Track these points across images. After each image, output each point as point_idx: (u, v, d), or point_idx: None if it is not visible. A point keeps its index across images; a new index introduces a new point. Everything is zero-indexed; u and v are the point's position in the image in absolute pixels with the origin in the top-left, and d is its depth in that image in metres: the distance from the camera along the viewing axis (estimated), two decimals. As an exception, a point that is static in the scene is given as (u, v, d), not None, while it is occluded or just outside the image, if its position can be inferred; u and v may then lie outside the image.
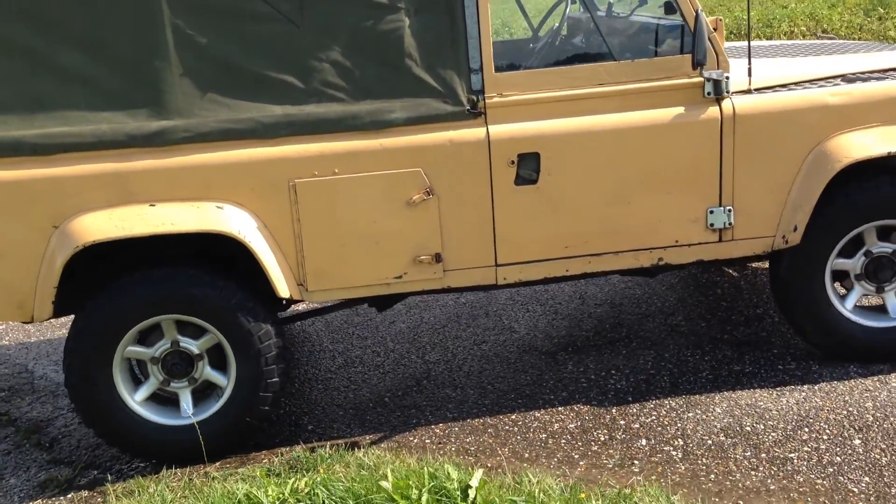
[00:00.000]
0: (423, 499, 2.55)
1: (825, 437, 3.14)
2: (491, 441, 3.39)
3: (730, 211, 3.46)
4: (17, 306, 3.29)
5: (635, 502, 2.68)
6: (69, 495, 3.37)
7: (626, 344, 4.13)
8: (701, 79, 3.32)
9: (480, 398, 3.75)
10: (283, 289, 3.33)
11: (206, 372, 3.44)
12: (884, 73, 3.59)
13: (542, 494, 2.70)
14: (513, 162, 3.33)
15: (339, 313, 4.73)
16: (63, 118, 3.17)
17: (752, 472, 2.97)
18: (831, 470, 2.94)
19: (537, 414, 3.56)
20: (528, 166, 3.35)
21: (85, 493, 3.37)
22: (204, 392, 3.53)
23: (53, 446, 3.78)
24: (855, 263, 3.61)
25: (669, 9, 3.39)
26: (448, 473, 2.69)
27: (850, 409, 3.32)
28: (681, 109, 3.36)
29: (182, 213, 3.23)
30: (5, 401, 4.24)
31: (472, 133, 3.30)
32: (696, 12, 3.13)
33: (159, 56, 3.16)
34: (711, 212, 3.46)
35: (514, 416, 3.56)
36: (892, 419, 3.22)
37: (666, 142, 3.37)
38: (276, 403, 3.48)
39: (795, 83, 3.51)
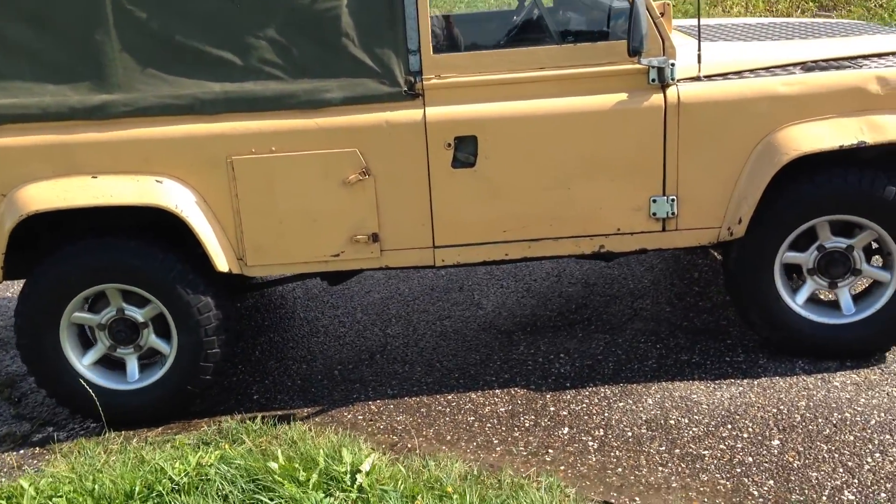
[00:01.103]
0: (312, 482, 2.61)
1: (745, 436, 3.09)
2: (420, 421, 3.43)
3: (673, 200, 3.39)
4: None
5: (526, 493, 2.69)
6: (21, 451, 3.53)
7: (585, 326, 4.11)
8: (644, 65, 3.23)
9: (425, 376, 3.79)
10: (221, 263, 3.40)
11: (151, 340, 3.55)
12: (850, 61, 3.43)
13: (433, 481, 2.73)
14: (449, 145, 3.31)
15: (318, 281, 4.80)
16: (9, 90, 3.26)
17: (660, 468, 2.95)
18: (739, 470, 2.90)
19: (473, 395, 3.58)
20: (465, 149, 3.33)
21: (36, 450, 3.53)
22: (151, 359, 3.64)
23: (21, 401, 3.96)
24: (808, 258, 3.50)
25: (619, -9, 3.30)
26: (342, 456, 2.74)
27: (781, 407, 3.26)
28: (623, 96, 3.29)
29: (122, 185, 3.31)
30: (-10, 354, 4.44)
31: (408, 114, 3.29)
32: (635, 2, 3.03)
33: (101, 30, 3.22)
34: (654, 201, 3.39)
35: (450, 397, 3.59)
36: (820, 420, 3.15)
37: (607, 128, 3.30)
38: (218, 372, 3.57)
39: (750, 70, 3.39)
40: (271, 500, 2.59)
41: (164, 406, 3.57)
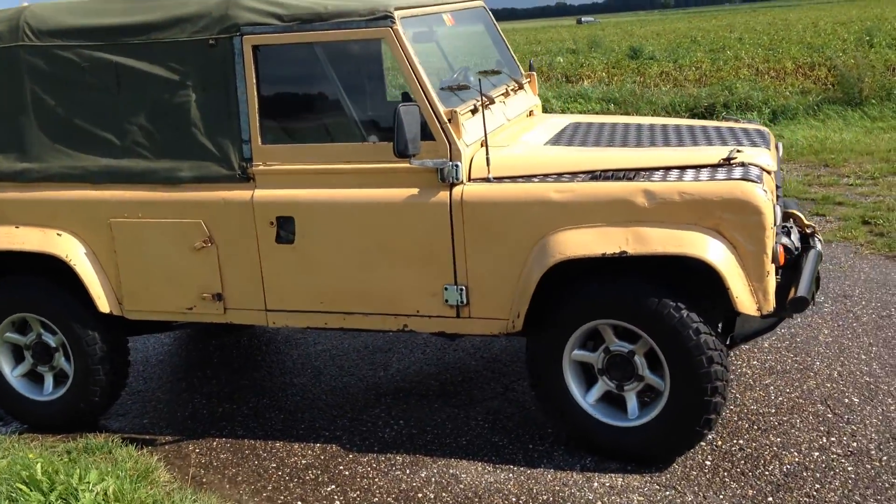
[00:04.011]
0: (54, 494, 3.20)
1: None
2: (235, 460, 3.92)
3: (462, 290, 3.63)
4: None
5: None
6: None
7: (449, 399, 4.36)
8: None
9: (284, 423, 4.25)
10: (103, 305, 4.12)
11: (61, 362, 4.34)
12: (644, 172, 3.48)
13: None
14: (272, 223, 3.81)
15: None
16: None
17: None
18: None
19: (296, 446, 4.00)
20: (286, 228, 3.80)
21: (-25, 439, 4.41)
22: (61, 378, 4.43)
23: None
24: (596, 357, 3.59)
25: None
26: (80, 476, 3.31)
27: (524, 497, 3.39)
28: (415, 191, 3.61)
29: (33, 236, 4.13)
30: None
31: (241, 195, 3.83)
32: (396, 109, 3.36)
33: (23, 112, 4.07)
34: (446, 289, 3.66)
35: (278, 444, 4.03)
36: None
37: (401, 220, 3.63)
38: (106, 395, 4.28)
39: (543, 174, 3.57)
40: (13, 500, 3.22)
41: (63, 417, 4.33)
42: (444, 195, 3.57)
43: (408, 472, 3.68)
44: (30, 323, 4.34)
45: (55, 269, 4.23)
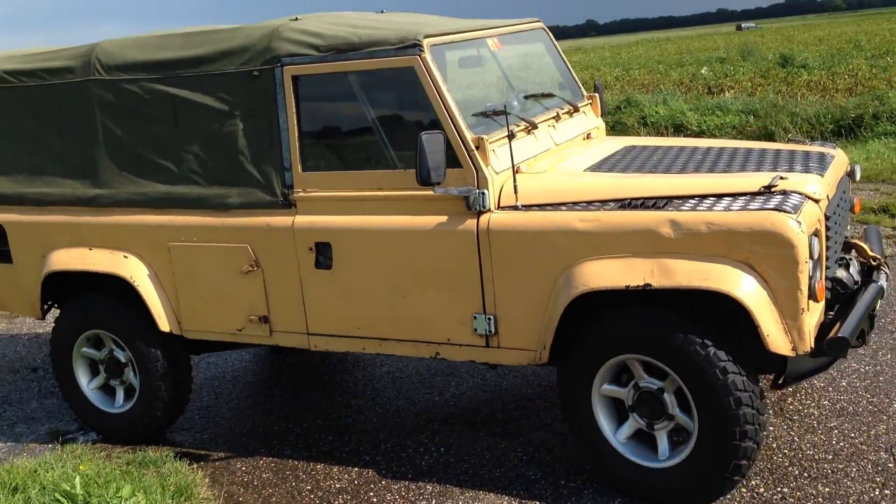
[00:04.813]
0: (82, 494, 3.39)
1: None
2: (274, 480, 4.00)
3: (491, 319, 3.58)
4: (29, 307, 4.77)
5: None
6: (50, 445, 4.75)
7: (492, 428, 4.30)
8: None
9: (332, 445, 4.32)
10: (163, 324, 4.32)
11: (130, 377, 4.59)
12: (675, 200, 3.32)
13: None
14: (311, 248, 3.89)
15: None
16: (50, 183, 4.53)
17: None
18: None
19: (335, 469, 4.05)
20: (324, 253, 3.87)
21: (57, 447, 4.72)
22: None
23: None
24: (626, 393, 3.45)
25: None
26: (116, 489, 3.47)
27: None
28: (443, 218, 3.59)
29: (103, 257, 4.40)
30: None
31: (283, 220, 3.94)
32: (419, 137, 3.36)
33: (95, 142, 4.35)
34: (475, 317, 3.62)
35: (319, 466, 4.10)
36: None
37: (430, 247, 3.62)
38: (168, 411, 4.49)
39: (572, 202, 3.47)
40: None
41: (130, 430, 4.57)
42: (471, 223, 3.54)
43: (434, 501, 3.65)
44: (103, 339, 4.61)
45: (123, 289, 4.47)
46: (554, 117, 4.20)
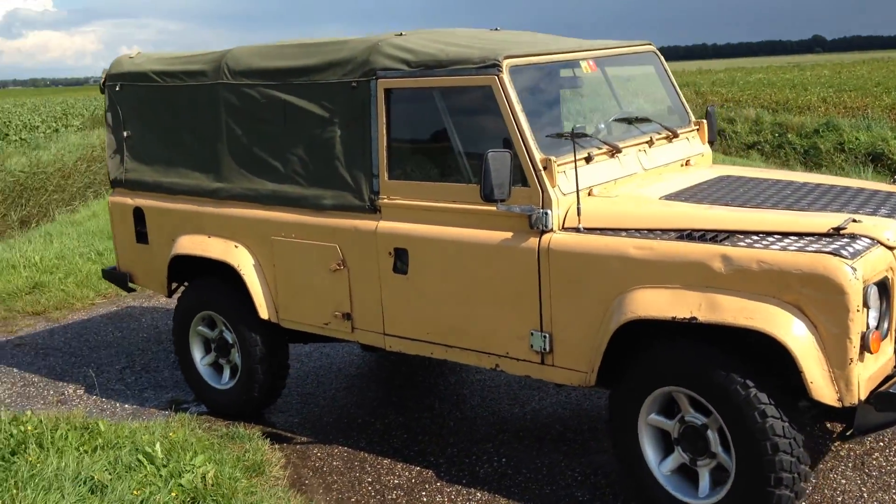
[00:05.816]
0: (165, 470, 3.74)
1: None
2: (341, 469, 4.24)
3: (546, 337, 3.64)
4: (160, 285, 5.29)
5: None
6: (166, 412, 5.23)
7: (557, 445, 4.34)
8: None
9: (402, 443, 4.52)
10: (263, 311, 4.68)
11: (235, 357, 4.98)
12: (737, 235, 3.25)
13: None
14: (390, 253, 4.09)
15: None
16: (179, 173, 5.01)
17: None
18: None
19: (399, 465, 4.23)
20: (402, 259, 4.07)
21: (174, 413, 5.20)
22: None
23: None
24: (672, 426, 3.40)
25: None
26: (191, 458, 3.81)
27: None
28: (508, 235, 3.69)
29: (218, 246, 4.81)
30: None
31: (368, 224, 4.16)
32: (486, 154, 3.46)
33: (219, 139, 4.77)
34: (532, 334, 3.69)
35: (386, 461, 4.29)
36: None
37: (494, 261, 3.73)
38: (264, 393, 4.84)
39: (635, 229, 3.46)
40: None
41: (231, 406, 4.96)
42: (532, 241, 3.60)
43: (477, 508, 3.75)
44: (215, 320, 5.03)
45: (233, 276, 4.86)
46: (647, 142, 4.17)
